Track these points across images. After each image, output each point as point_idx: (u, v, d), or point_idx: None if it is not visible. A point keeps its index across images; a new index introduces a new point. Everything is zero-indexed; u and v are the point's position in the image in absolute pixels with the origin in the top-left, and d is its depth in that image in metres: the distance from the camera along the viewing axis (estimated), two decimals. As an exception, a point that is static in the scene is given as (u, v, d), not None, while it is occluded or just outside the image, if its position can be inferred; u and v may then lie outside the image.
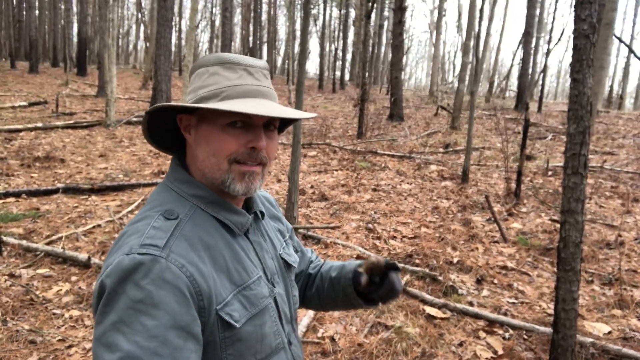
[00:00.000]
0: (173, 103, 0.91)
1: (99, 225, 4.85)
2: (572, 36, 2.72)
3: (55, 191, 5.84)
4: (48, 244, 4.29)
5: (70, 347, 2.87)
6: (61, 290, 3.53)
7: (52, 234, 4.57)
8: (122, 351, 0.71)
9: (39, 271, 3.79)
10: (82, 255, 3.95)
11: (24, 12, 27.22)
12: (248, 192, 0.94)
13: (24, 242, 4.17)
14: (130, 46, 48.82)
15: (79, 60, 23.50)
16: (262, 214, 1.07)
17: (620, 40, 9.94)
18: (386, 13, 31.35)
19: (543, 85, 18.34)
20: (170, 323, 0.75)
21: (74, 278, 3.73)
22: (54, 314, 3.23)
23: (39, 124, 10.15)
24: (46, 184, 6.24)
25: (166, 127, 1.00)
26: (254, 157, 0.92)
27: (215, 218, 0.93)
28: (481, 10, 8.70)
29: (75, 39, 27.76)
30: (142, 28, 37.37)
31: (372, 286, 1.11)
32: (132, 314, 0.74)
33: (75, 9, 30.22)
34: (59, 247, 4.19)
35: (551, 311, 3.36)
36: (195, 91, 0.93)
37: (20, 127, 9.75)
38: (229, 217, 0.94)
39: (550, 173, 8.40)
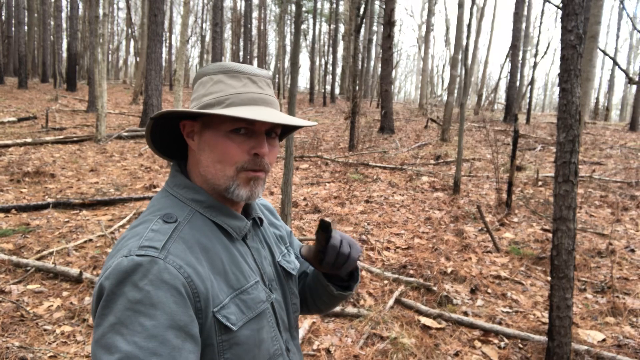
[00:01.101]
0: (179, 109, 0.92)
1: (90, 240, 4.80)
2: (559, 48, 2.77)
3: (46, 206, 5.77)
4: (39, 259, 4.23)
5: (62, 363, 2.83)
6: (52, 305, 3.48)
7: (42, 249, 4.52)
8: (121, 352, 0.71)
9: (30, 287, 3.74)
10: (74, 270, 3.90)
11: (13, 28, 27.16)
12: (251, 198, 0.95)
13: (14, 258, 4.11)
14: (121, 61, 48.83)
15: (69, 75, 23.43)
16: (261, 220, 1.08)
17: (605, 53, 10.15)
18: (375, 27, 31.78)
19: (531, 97, 18.60)
20: (168, 323, 0.75)
21: (65, 293, 3.67)
22: (45, 330, 3.17)
23: (29, 139, 10.07)
24: (36, 199, 6.17)
25: (168, 133, 1.02)
26: (257, 164, 0.93)
27: (213, 222, 0.94)
28: (469, 25, 8.86)
29: (64, 55, 27.74)
30: (132, 43, 37.43)
31: (320, 256, 1.00)
32: (131, 314, 0.74)
33: (64, 25, 30.20)
34: (49, 262, 4.13)
35: (545, 320, 3.38)
36: (199, 98, 0.95)
37: (9, 142, 9.66)
38: (227, 222, 0.95)
39: (540, 183, 8.49)
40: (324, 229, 0.95)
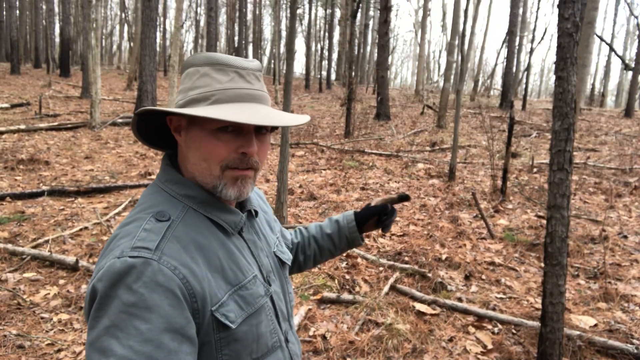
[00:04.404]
0: (159, 107, 0.89)
1: (86, 228, 4.80)
2: (556, 35, 2.76)
3: (41, 194, 5.76)
4: (34, 247, 4.23)
5: (59, 351, 2.84)
6: (49, 294, 3.49)
7: (38, 237, 4.51)
8: (116, 356, 0.70)
9: (26, 275, 3.74)
10: (70, 258, 3.91)
11: (4, 12, 26.76)
12: (240, 197, 0.94)
13: (10, 246, 4.11)
14: (114, 46, 48.28)
15: (62, 61, 23.19)
16: (256, 212, 1.07)
17: (602, 39, 10.14)
18: (371, 12, 31.49)
19: (527, 83, 18.59)
20: (164, 326, 0.74)
21: (61, 281, 3.68)
22: (42, 318, 3.19)
23: (22, 126, 9.99)
24: (31, 187, 6.15)
25: (157, 126, 1.00)
26: (245, 163, 0.91)
27: (208, 218, 0.92)
28: (465, 10, 8.79)
29: (57, 40, 27.40)
30: (125, 28, 37.02)
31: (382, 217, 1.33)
32: (126, 318, 0.73)
33: (57, 9, 29.78)
34: (45, 250, 4.13)
35: (538, 305, 3.42)
36: (185, 92, 0.92)
37: (2, 129, 9.58)
38: (222, 217, 0.94)
39: (535, 170, 8.52)
40: (404, 198, 1.30)
